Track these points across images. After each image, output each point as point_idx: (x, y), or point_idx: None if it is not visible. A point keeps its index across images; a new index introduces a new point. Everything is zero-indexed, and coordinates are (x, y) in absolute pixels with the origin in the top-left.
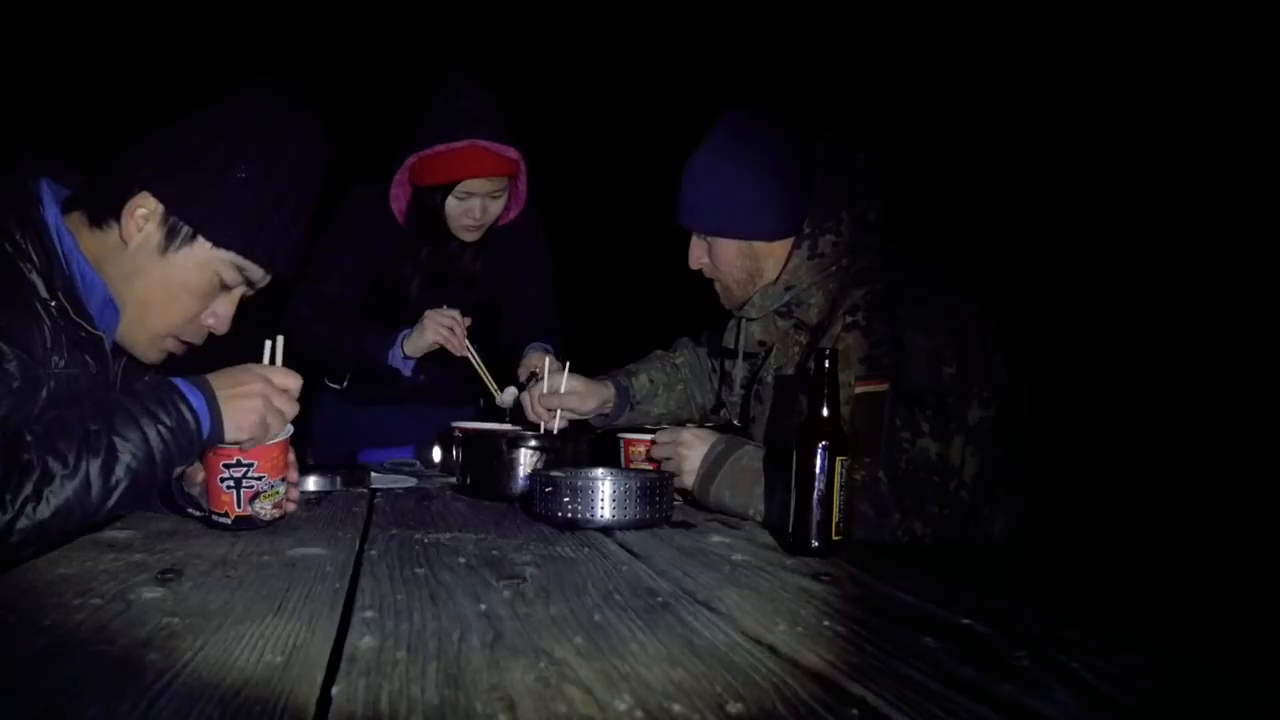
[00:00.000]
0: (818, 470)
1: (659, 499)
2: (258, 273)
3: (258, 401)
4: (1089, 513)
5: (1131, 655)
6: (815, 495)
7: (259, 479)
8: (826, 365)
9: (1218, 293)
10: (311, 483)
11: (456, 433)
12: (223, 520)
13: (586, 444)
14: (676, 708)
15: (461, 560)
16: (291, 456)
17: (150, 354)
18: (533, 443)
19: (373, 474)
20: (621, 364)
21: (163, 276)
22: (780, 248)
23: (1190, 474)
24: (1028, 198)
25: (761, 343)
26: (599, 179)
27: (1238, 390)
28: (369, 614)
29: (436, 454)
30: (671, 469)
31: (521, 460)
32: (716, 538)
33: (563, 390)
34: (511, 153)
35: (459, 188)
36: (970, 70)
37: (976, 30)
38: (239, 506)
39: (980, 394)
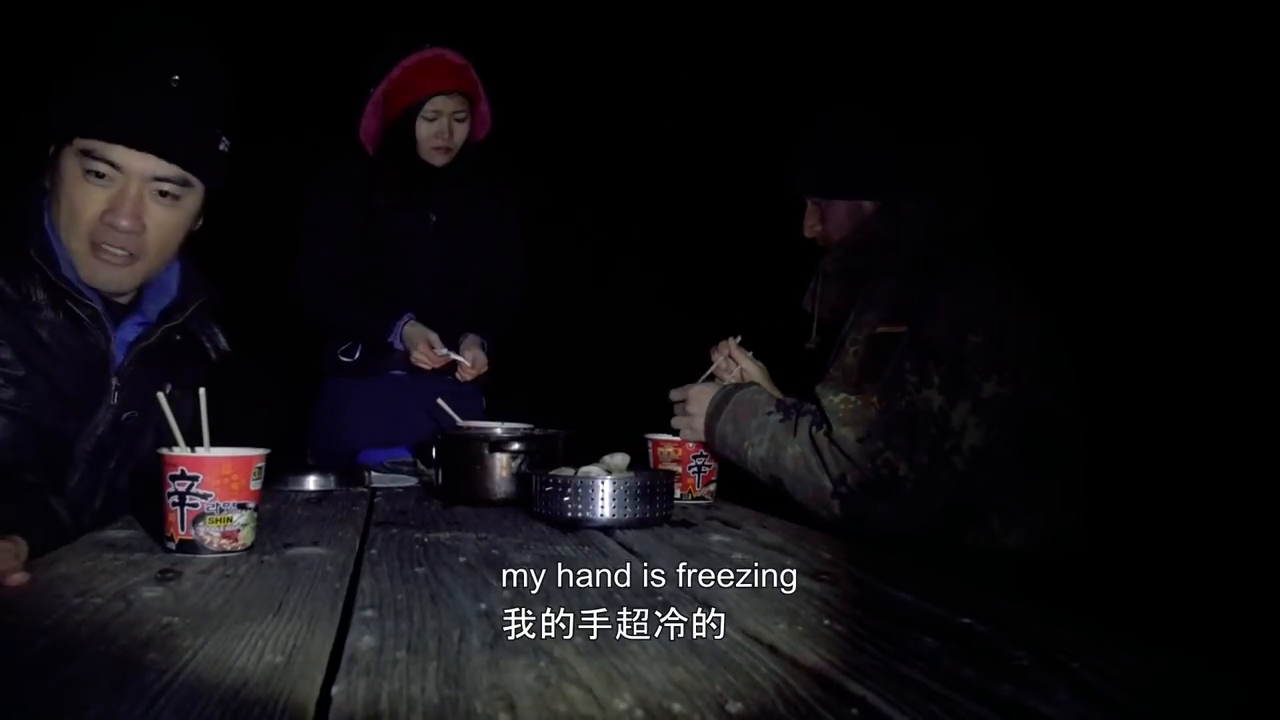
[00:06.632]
0: None
1: (659, 499)
2: (122, 153)
3: None
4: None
5: (1131, 655)
6: None
7: (205, 497)
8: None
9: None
10: (311, 483)
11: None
12: (170, 546)
13: (563, 441)
14: (676, 707)
15: (461, 560)
16: (256, 486)
17: (99, 274)
18: (514, 445)
19: (373, 474)
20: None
21: (59, 195)
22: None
23: (1210, 478)
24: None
25: (834, 310)
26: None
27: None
28: (369, 614)
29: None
30: (680, 415)
31: (501, 463)
32: (716, 537)
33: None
34: (462, 60)
35: (427, 106)
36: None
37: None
38: (182, 528)
39: (1002, 372)
